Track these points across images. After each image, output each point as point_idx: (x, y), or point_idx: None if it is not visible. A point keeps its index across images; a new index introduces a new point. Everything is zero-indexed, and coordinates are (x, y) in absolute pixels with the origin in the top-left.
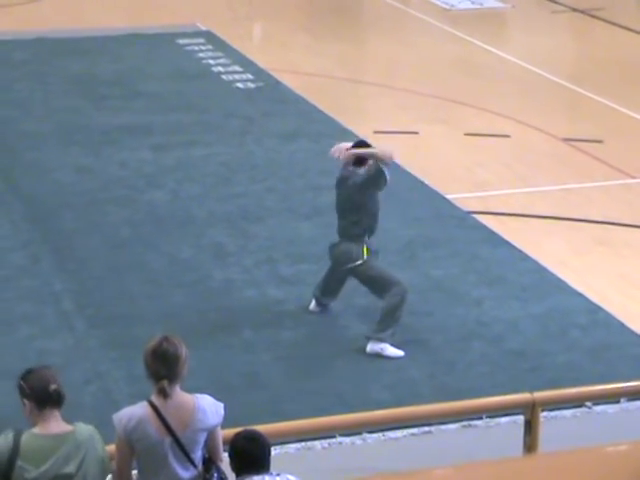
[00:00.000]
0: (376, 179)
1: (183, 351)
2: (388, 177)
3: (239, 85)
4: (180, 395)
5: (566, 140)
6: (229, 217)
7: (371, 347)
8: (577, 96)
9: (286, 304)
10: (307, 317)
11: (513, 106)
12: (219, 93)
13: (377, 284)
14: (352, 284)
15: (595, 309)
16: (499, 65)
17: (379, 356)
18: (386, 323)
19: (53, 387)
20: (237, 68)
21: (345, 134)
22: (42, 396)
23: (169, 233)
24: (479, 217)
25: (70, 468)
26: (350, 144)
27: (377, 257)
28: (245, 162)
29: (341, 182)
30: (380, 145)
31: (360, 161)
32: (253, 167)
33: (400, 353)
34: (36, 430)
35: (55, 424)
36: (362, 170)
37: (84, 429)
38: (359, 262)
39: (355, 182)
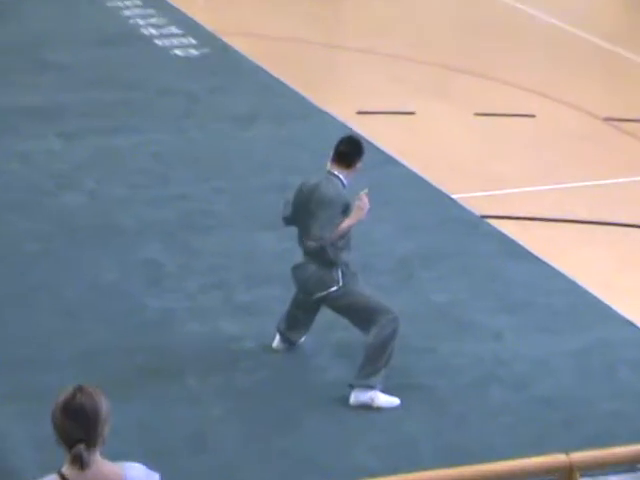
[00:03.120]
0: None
1: (104, 405)
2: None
3: (178, 52)
4: (101, 464)
5: (608, 120)
6: (166, 227)
7: (356, 397)
8: (622, 62)
9: (243, 341)
10: (270, 358)
11: (539, 76)
12: (151, 63)
13: (360, 314)
14: (328, 312)
15: None
16: (521, 23)
17: (366, 408)
18: (374, 364)
19: None
20: (175, 30)
21: (319, 116)
22: None
23: (87, 249)
24: (496, 223)
25: None
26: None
27: (357, 279)
28: (187, 154)
29: (308, 187)
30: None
31: (347, 163)
32: (197, 160)
33: (394, 402)
34: None
35: None
36: (342, 179)
37: None
38: (334, 288)
39: (326, 195)
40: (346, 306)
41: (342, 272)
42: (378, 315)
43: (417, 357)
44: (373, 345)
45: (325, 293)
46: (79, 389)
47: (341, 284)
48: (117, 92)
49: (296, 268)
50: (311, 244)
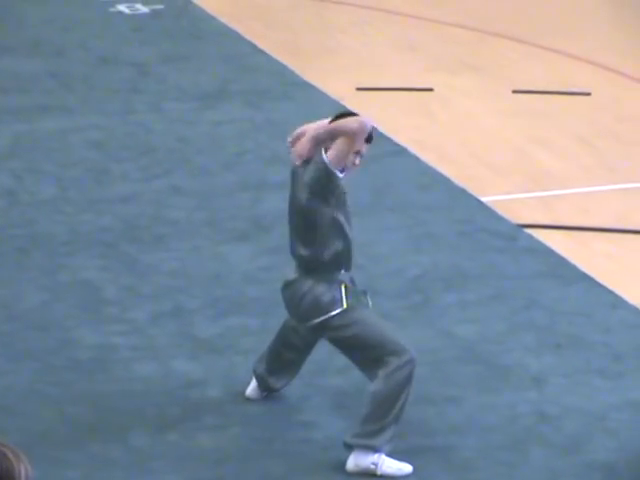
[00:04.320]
0: (319, 182)
1: (22, 471)
2: (339, 179)
3: (122, 8)
4: None
5: None
6: (106, 238)
7: (355, 461)
8: None
9: (206, 387)
10: (242, 410)
11: (596, 42)
12: (87, 22)
13: (367, 352)
14: (319, 350)
15: None
16: None
17: (369, 476)
18: (381, 420)
19: None
20: None
21: (307, 93)
22: None
23: (2, 267)
24: (539, 234)
25: None
26: (324, 123)
27: (366, 301)
28: (134, 142)
29: (294, 177)
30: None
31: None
32: (147, 151)
33: (405, 469)
34: None
35: None
36: (319, 159)
37: None
38: (336, 311)
39: (303, 181)
40: (351, 339)
41: (346, 289)
42: (389, 354)
43: (435, 410)
44: (380, 394)
45: (323, 318)
46: None
47: (345, 306)
48: (43, 60)
49: (286, 286)
50: None
